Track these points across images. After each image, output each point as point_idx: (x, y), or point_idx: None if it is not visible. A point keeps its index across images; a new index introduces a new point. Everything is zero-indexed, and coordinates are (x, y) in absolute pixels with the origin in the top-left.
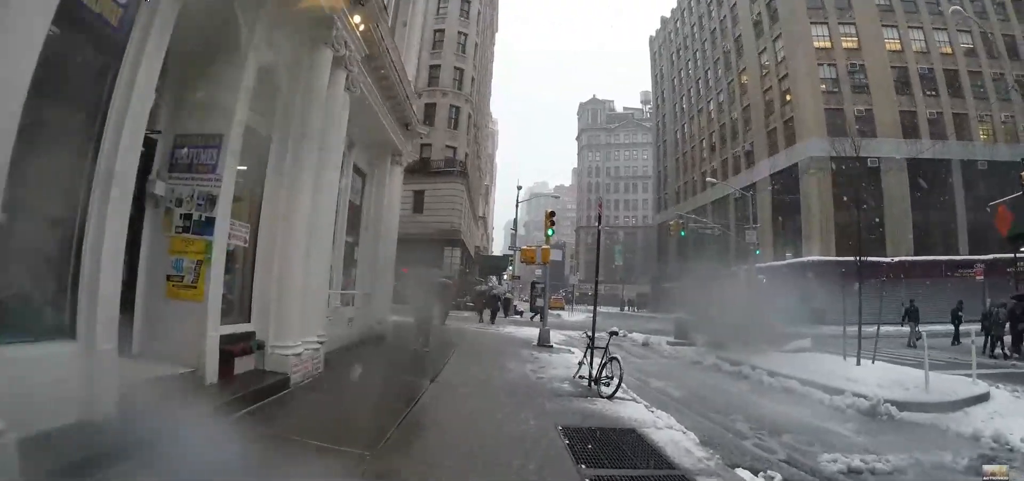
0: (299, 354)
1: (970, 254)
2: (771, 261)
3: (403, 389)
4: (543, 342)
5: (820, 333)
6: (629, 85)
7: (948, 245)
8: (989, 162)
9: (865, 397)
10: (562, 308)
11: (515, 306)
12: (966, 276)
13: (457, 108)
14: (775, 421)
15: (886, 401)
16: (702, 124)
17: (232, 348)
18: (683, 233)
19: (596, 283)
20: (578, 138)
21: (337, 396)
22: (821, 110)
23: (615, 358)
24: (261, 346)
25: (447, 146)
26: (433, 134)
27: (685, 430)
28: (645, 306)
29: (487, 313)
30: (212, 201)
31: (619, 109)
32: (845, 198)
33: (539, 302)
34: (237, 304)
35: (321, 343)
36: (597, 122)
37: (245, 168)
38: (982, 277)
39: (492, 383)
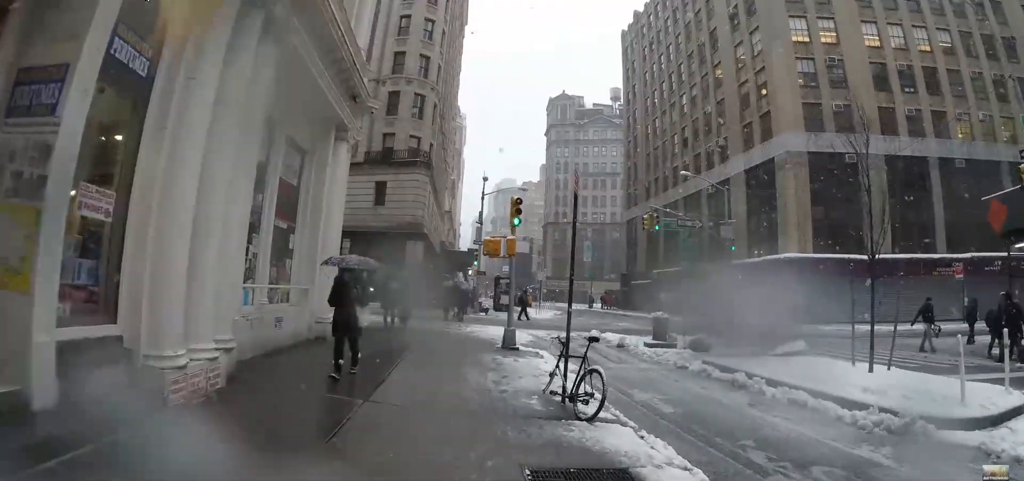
0: (182, 366)
1: (947, 252)
2: (746, 258)
3: (324, 413)
4: (508, 344)
5: (803, 333)
6: (599, 81)
7: (925, 243)
8: (966, 161)
9: (894, 412)
10: (529, 305)
11: (480, 303)
12: (945, 274)
13: (422, 97)
14: (795, 448)
15: (920, 417)
16: (674, 119)
17: (82, 358)
18: (657, 227)
19: (571, 276)
20: (547, 133)
21: (226, 425)
22: (799, 104)
23: (597, 370)
24: (130, 354)
25: (411, 136)
26: (397, 123)
27: (690, 467)
28: (614, 304)
29: (454, 310)
30: (46, 152)
31: (589, 105)
32: (835, 192)
33: (504, 299)
34: (102, 299)
35: (225, 351)
36: (566, 118)
37: (110, 118)
38: (962, 275)
39: (442, 401)
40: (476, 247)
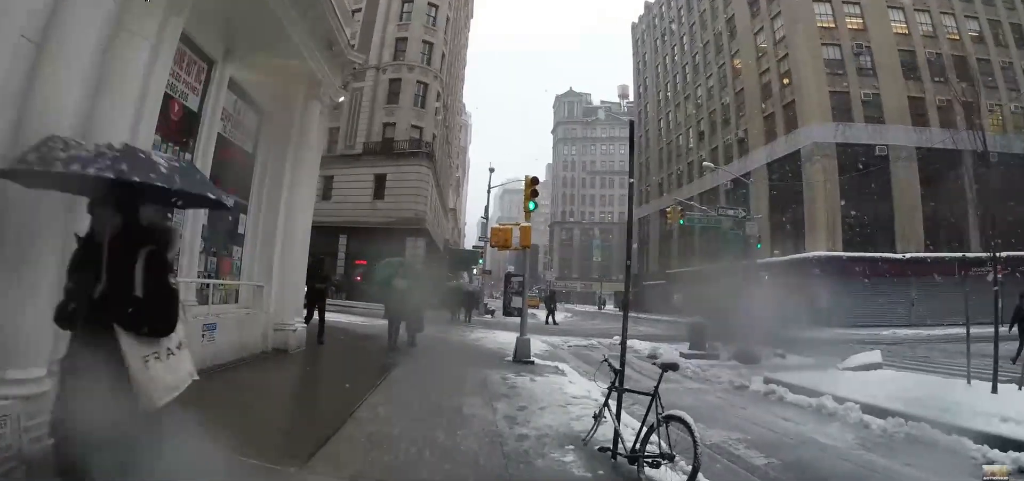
0: None
1: (981, 251)
2: (769, 257)
3: None
4: (521, 356)
5: (850, 338)
6: (607, 79)
7: (957, 241)
8: (999, 153)
9: None
10: (537, 307)
11: (486, 304)
12: (980, 275)
13: (425, 85)
14: None
15: None
16: (689, 112)
17: None
18: (682, 221)
19: (628, 267)
20: (553, 131)
21: None
22: (825, 93)
23: (680, 418)
24: None
25: (413, 126)
26: (398, 112)
27: None
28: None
29: (462, 311)
30: None
31: (596, 102)
32: (866, 186)
33: (515, 301)
34: None
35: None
36: (573, 115)
37: None
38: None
39: (428, 469)
40: (481, 244)
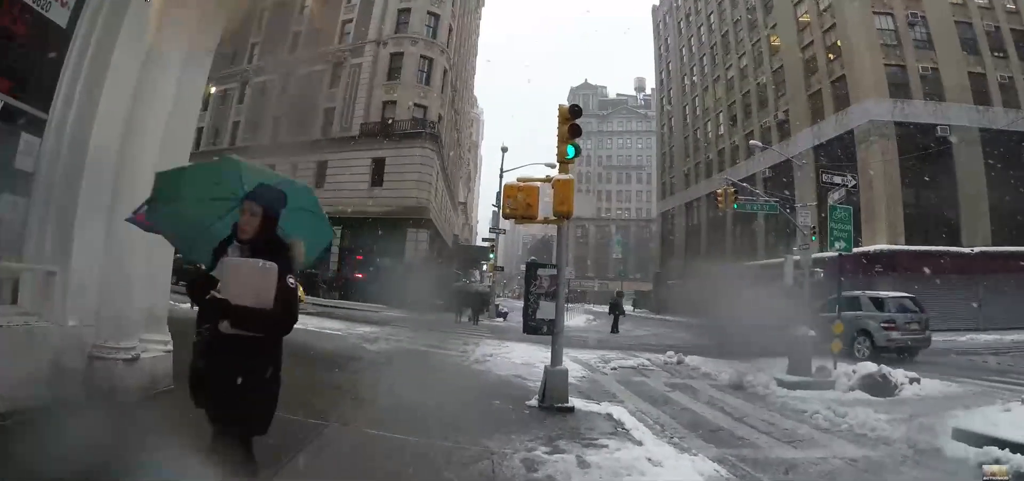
0: None
1: None
2: (818, 252)
3: None
4: (553, 399)
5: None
6: (623, 71)
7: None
8: None
9: None
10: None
11: (497, 306)
12: None
13: (430, 60)
14: None
15: None
16: (718, 96)
17: None
18: (737, 206)
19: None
20: None
21: None
22: (880, 66)
23: None
24: None
25: (416, 105)
26: (399, 89)
27: None
28: (644, 306)
29: (468, 312)
30: None
31: (612, 95)
32: (928, 171)
33: (543, 310)
34: None
35: None
36: (589, 108)
37: None
38: None
39: None
40: (493, 237)
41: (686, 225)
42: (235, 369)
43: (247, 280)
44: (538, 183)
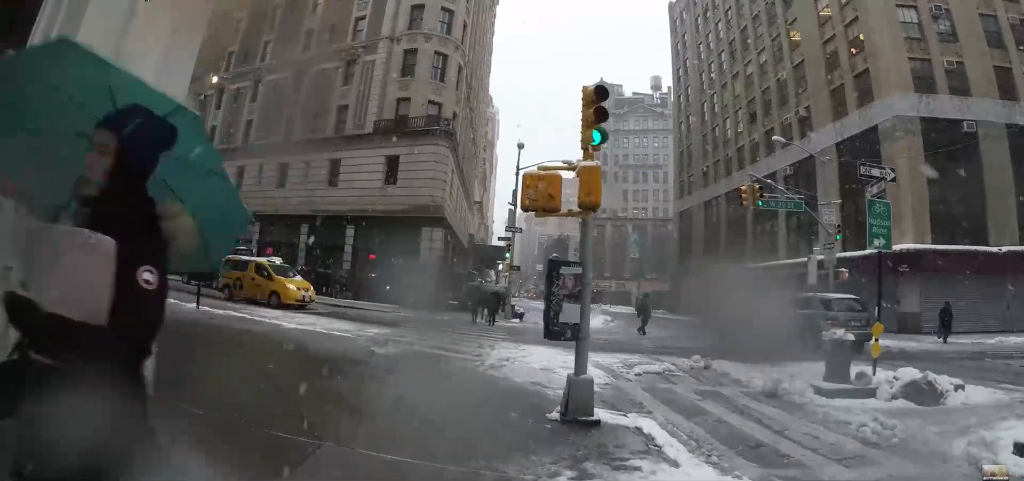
0: None
1: None
2: (842, 251)
3: None
4: (577, 412)
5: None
6: (639, 70)
7: None
8: None
9: None
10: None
11: (513, 306)
12: None
13: (444, 56)
14: None
15: None
16: (737, 92)
17: None
18: (761, 203)
19: None
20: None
21: None
22: (904, 60)
23: None
24: None
25: (430, 101)
26: (413, 86)
27: None
28: (661, 306)
29: (485, 312)
30: None
31: (628, 94)
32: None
33: (566, 309)
34: None
35: None
36: None
37: None
38: None
39: None
40: (508, 236)
41: (705, 224)
42: (57, 426)
43: (68, 268)
44: (561, 171)
